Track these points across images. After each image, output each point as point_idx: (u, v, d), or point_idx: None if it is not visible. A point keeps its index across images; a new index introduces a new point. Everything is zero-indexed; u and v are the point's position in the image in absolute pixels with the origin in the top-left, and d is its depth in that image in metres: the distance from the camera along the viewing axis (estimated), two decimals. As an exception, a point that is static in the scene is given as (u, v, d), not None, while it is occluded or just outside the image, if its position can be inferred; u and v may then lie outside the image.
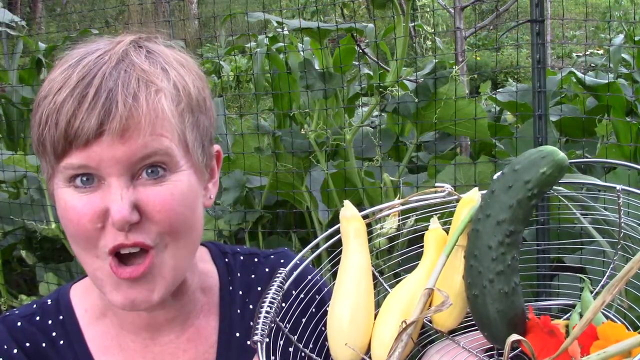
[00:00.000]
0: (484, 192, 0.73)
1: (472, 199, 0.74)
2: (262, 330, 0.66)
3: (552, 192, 0.75)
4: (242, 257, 1.00)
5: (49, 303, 0.92)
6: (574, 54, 7.47)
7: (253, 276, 0.98)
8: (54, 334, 0.88)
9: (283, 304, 0.75)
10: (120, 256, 0.76)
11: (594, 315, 0.59)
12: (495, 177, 0.72)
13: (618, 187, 0.73)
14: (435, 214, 0.79)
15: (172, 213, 0.76)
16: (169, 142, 0.75)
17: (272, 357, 0.67)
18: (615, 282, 0.59)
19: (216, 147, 0.89)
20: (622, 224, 0.76)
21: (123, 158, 0.73)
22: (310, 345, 0.77)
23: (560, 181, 0.70)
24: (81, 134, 0.71)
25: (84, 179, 0.74)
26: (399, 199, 0.82)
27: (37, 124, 0.75)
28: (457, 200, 0.77)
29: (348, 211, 0.75)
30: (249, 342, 0.66)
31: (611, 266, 0.80)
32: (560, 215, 1.75)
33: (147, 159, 0.74)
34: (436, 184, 0.80)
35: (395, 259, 0.91)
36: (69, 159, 0.73)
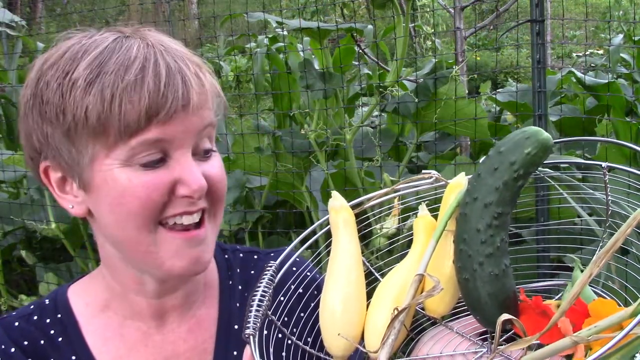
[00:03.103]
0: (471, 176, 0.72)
1: (459, 183, 0.73)
2: (254, 323, 0.66)
3: (538, 172, 0.74)
4: (241, 255, 1.03)
5: (47, 303, 0.92)
6: (574, 54, 7.47)
7: (252, 272, 1.00)
8: (52, 331, 0.89)
9: (281, 299, 0.75)
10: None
11: (582, 288, 0.58)
12: (481, 160, 0.71)
13: (603, 164, 0.73)
14: (424, 201, 0.78)
15: (222, 184, 0.83)
16: (214, 115, 0.83)
17: (264, 350, 0.67)
18: (601, 254, 0.58)
19: None
20: (610, 202, 0.76)
21: (194, 130, 0.78)
22: (304, 338, 0.77)
23: (545, 162, 0.69)
24: (164, 109, 0.74)
25: (150, 157, 0.76)
26: (390, 189, 0.80)
27: (100, 102, 0.74)
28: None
29: (336, 202, 0.74)
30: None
31: (600, 244, 0.79)
32: (558, 202, 1.73)
33: (205, 130, 0.80)
34: (423, 171, 0.79)
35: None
36: (143, 135, 0.75)
